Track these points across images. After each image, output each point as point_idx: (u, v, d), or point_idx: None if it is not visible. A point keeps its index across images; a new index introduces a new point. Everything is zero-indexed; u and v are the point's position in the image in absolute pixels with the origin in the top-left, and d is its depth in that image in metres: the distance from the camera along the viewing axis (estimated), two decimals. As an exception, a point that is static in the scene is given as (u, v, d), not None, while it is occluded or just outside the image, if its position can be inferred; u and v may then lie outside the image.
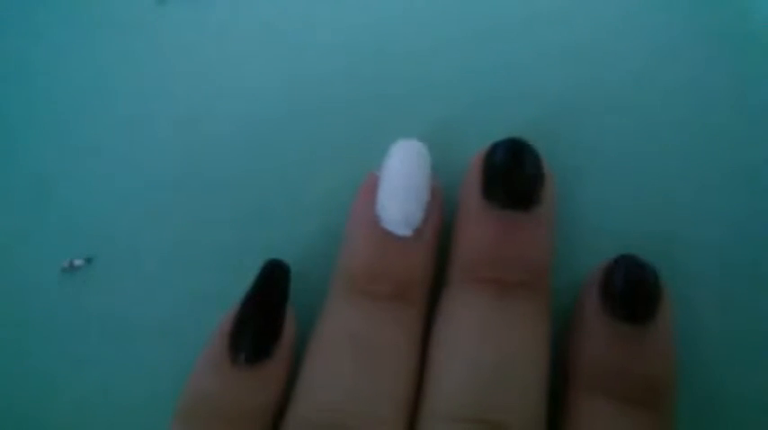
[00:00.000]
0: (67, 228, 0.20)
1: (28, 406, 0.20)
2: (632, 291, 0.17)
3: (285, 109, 0.21)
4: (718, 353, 0.19)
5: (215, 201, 0.20)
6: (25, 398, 0.20)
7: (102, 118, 0.21)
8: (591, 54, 0.20)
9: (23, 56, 0.22)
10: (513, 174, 0.17)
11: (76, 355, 0.20)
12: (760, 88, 0.20)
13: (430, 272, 0.18)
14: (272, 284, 0.18)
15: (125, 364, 0.20)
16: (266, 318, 0.18)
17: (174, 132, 0.21)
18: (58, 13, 0.22)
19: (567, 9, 0.20)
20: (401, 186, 0.18)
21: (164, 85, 0.21)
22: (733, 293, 0.19)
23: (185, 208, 0.20)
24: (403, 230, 0.17)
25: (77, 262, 0.20)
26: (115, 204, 0.21)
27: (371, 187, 0.18)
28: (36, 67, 0.22)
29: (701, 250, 0.19)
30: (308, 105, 0.21)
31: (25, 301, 0.20)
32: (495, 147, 0.18)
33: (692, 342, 0.18)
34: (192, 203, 0.20)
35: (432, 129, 0.20)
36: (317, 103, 0.20)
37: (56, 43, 0.22)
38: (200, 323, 0.19)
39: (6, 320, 0.20)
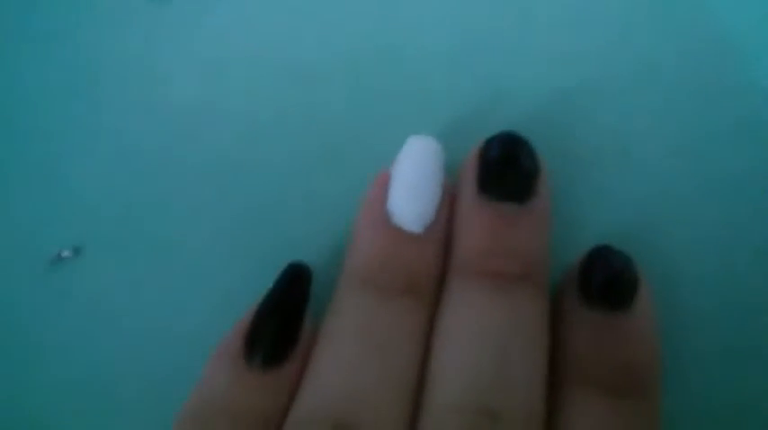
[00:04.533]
0: (56, 217, 0.20)
1: (13, 395, 0.19)
2: (607, 279, 0.17)
3: (299, 107, 0.20)
4: (709, 353, 0.19)
5: (212, 190, 0.20)
6: (12, 388, 0.19)
7: (99, 105, 0.21)
8: (593, 55, 0.20)
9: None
10: (507, 167, 0.18)
11: (63, 345, 0.19)
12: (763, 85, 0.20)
13: (439, 266, 0.18)
14: (294, 287, 0.18)
15: (113, 355, 0.19)
16: (285, 321, 0.17)
17: (176, 122, 0.20)
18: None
19: (568, 12, 0.21)
20: (414, 184, 0.18)
21: (175, 71, 0.21)
22: (729, 293, 0.19)
23: (183, 198, 0.20)
24: (415, 227, 0.17)
25: (65, 253, 0.19)
26: (105, 194, 0.20)
27: (383, 184, 0.18)
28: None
29: (696, 249, 0.20)
30: (320, 104, 0.20)
31: (12, 292, 0.19)
32: (489, 141, 0.18)
33: (684, 340, 0.19)
34: (190, 194, 0.20)
35: (441, 128, 0.20)
36: (330, 102, 0.20)
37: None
38: (193, 315, 0.19)
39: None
